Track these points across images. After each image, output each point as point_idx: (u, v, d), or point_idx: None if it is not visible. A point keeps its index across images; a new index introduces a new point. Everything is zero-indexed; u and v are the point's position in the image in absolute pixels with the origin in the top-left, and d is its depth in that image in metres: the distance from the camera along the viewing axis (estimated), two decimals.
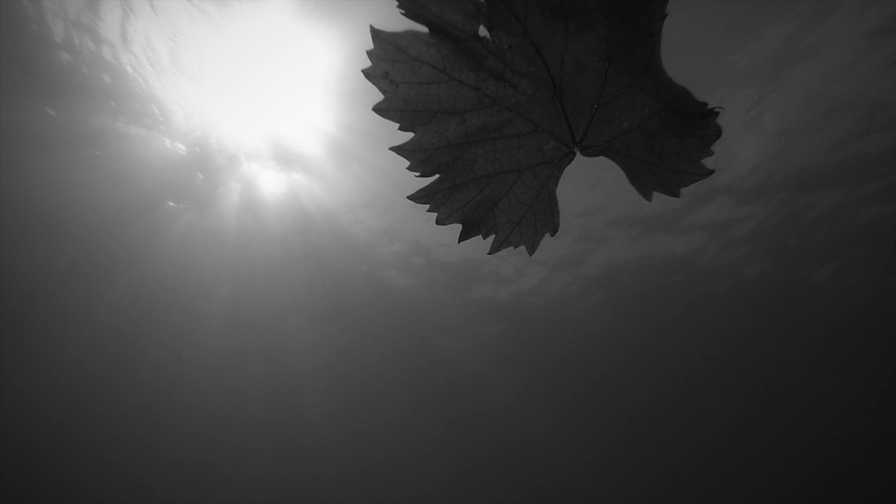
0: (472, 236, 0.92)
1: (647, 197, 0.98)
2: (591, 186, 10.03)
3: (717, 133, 0.93)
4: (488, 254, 0.94)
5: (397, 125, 0.80)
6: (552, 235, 0.93)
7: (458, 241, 0.92)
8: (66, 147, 9.16)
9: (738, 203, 10.59)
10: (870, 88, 8.60)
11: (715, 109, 0.89)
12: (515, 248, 0.94)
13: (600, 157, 0.94)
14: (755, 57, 8.21)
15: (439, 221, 0.91)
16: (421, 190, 0.87)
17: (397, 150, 0.82)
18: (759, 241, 11.36)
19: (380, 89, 0.78)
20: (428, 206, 0.89)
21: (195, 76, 8.34)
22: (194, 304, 12.78)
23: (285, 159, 9.65)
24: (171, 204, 10.43)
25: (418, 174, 0.84)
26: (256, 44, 7.99)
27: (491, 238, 0.93)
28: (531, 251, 0.95)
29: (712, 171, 0.95)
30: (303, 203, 10.54)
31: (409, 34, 0.75)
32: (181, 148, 9.49)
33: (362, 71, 0.76)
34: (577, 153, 0.92)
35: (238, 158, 9.73)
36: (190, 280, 12.04)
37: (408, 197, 0.87)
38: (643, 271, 12.17)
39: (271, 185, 10.19)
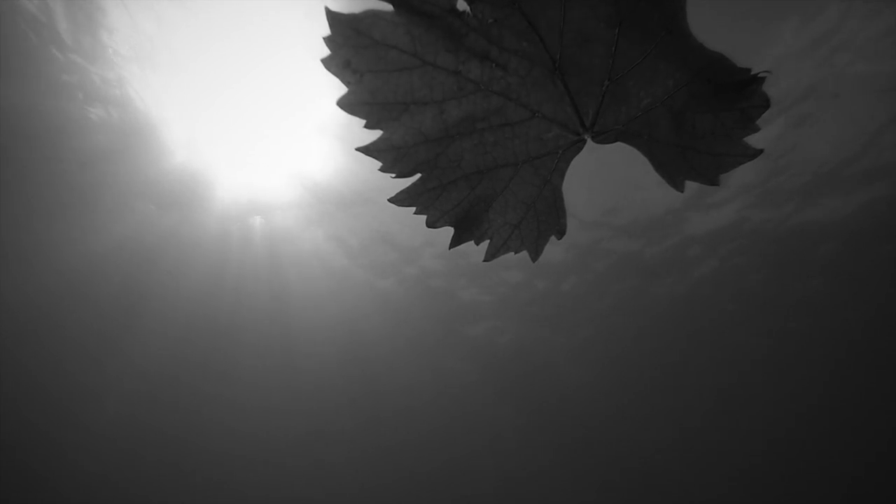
0: (465, 241, 0.81)
1: (679, 187, 0.82)
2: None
3: (765, 104, 0.75)
4: (484, 261, 0.83)
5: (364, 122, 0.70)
6: (558, 239, 0.81)
7: (450, 247, 0.82)
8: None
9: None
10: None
11: (760, 75, 0.72)
12: (516, 253, 0.83)
13: (617, 143, 0.79)
14: None
15: (430, 224, 0.81)
16: (403, 191, 0.77)
17: (364, 150, 0.72)
18: None
19: (343, 82, 0.68)
20: (414, 208, 0.79)
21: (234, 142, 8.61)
22: (232, 329, 13.28)
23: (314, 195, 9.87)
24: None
25: (394, 175, 0.74)
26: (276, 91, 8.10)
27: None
28: (534, 257, 0.82)
29: (760, 151, 0.78)
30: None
31: (370, 14, 0.65)
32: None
33: (321, 61, 0.67)
34: (588, 140, 0.78)
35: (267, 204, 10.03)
36: (225, 305, 12.50)
37: (389, 200, 0.77)
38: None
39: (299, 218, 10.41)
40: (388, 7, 0.66)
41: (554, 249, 10.81)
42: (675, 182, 0.81)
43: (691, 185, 9.63)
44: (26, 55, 7.30)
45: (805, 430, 17.87)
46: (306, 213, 10.22)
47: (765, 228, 10.43)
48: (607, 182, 9.49)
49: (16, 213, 9.60)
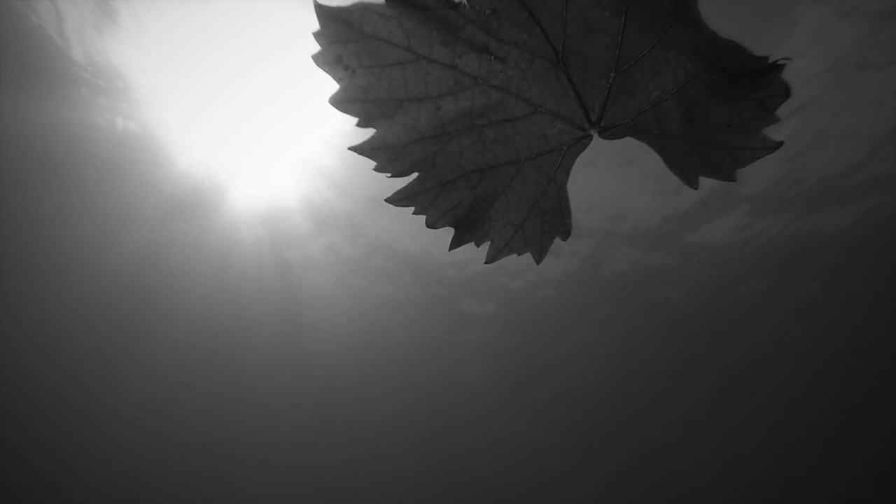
0: (465, 243, 0.78)
1: (693, 184, 0.78)
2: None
3: (785, 93, 0.70)
4: (485, 262, 0.79)
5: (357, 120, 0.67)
6: (564, 240, 0.77)
7: (450, 249, 0.78)
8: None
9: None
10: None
11: (779, 62, 0.68)
12: (519, 255, 0.79)
13: (626, 138, 0.75)
14: None
15: (430, 225, 0.78)
16: (400, 191, 0.74)
17: (357, 149, 0.69)
18: None
19: (334, 78, 0.65)
20: (412, 208, 0.76)
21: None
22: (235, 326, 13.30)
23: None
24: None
25: (389, 175, 0.71)
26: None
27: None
28: (538, 259, 0.79)
29: (780, 144, 0.73)
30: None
31: (360, 7, 0.62)
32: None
33: (312, 57, 0.64)
34: (595, 136, 0.74)
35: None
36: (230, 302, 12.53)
37: (386, 200, 0.74)
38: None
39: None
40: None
41: (558, 253, 10.74)
42: (689, 179, 0.76)
43: (692, 191, 9.39)
44: (36, 68, 7.46)
45: (806, 434, 17.65)
46: (311, 219, 10.24)
47: (766, 236, 10.30)
48: (608, 189, 9.39)
49: (18, 220, 9.79)
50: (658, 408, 16.56)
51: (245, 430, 17.72)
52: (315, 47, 0.64)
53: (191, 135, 8.72)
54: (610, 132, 0.74)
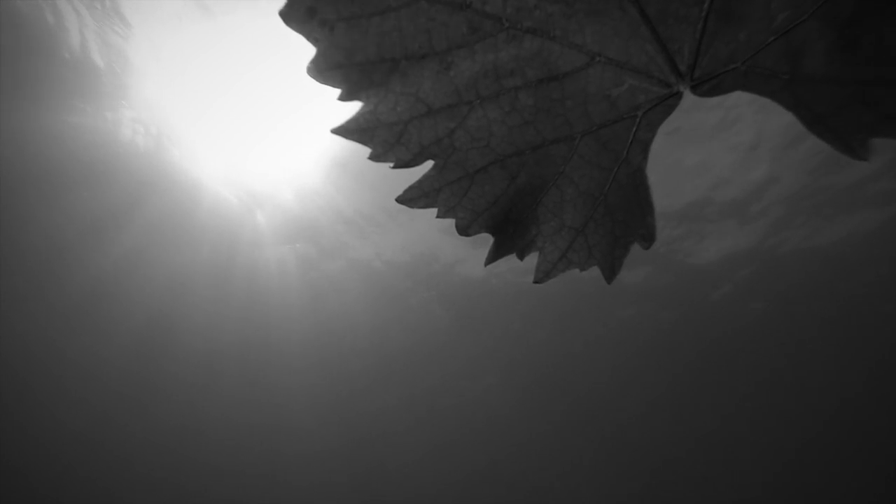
0: (506, 254, 0.57)
1: (859, 152, 0.50)
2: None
3: None
4: (534, 282, 0.58)
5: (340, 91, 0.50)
6: (645, 247, 0.53)
7: (486, 263, 0.58)
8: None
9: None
10: None
11: None
12: (583, 270, 0.56)
13: (733, 93, 0.50)
14: None
15: (462, 231, 0.59)
16: (413, 187, 0.56)
17: (341, 132, 0.52)
18: None
19: (309, 40, 0.50)
20: (436, 209, 0.57)
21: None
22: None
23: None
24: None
25: (393, 165, 0.53)
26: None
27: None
28: (609, 276, 0.55)
29: None
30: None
31: None
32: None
33: (279, 14, 0.49)
34: (686, 92, 0.51)
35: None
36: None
37: (397, 199, 0.56)
38: None
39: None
40: None
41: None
42: (851, 145, 0.49)
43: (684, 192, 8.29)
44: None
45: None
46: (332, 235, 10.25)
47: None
48: None
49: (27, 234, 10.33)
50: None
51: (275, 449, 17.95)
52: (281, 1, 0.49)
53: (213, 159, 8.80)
54: (709, 85, 0.50)
